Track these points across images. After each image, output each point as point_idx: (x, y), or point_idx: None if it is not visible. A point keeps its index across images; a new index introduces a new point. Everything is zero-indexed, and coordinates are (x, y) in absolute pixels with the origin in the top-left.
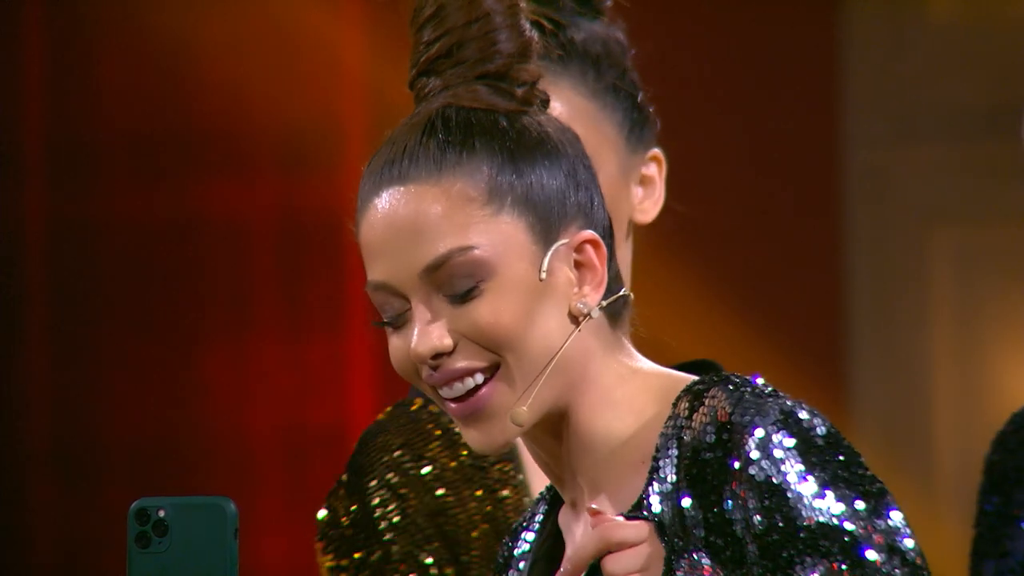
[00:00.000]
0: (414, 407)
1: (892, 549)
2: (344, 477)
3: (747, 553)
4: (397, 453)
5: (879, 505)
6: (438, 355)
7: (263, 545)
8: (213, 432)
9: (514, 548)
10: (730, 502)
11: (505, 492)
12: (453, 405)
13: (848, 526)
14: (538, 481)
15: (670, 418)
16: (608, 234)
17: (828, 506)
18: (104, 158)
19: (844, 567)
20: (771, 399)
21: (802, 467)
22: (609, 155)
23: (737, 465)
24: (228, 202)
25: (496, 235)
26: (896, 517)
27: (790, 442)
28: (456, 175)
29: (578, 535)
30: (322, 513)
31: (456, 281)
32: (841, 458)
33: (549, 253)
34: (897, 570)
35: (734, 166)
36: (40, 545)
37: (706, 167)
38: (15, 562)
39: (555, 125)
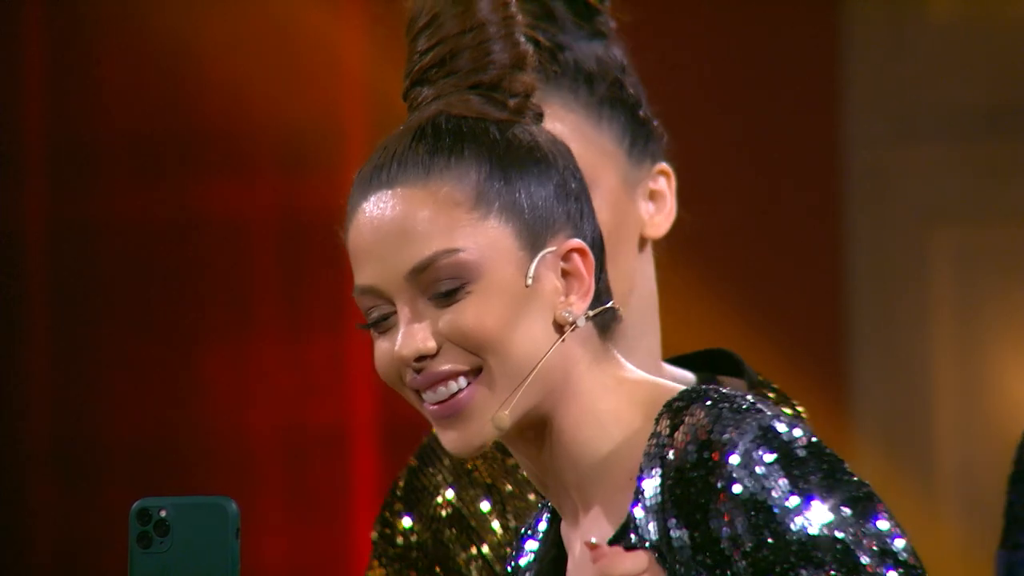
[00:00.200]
0: None
1: (884, 551)
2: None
3: (737, 571)
4: None
5: (867, 509)
6: (421, 358)
7: (263, 545)
8: (213, 432)
9: (519, 558)
10: (715, 521)
11: None
12: (432, 407)
13: (838, 534)
14: None
15: (652, 435)
16: (598, 246)
17: (816, 517)
18: (104, 158)
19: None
20: (749, 414)
21: (785, 481)
22: (609, 168)
23: (720, 484)
24: (228, 202)
25: (483, 239)
26: (884, 519)
27: (770, 457)
28: (444, 179)
29: (577, 549)
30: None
31: (441, 283)
32: (824, 467)
33: (536, 259)
34: (892, 571)
35: (734, 166)
36: (40, 545)
37: (707, 167)
38: (15, 562)
39: (546, 136)
